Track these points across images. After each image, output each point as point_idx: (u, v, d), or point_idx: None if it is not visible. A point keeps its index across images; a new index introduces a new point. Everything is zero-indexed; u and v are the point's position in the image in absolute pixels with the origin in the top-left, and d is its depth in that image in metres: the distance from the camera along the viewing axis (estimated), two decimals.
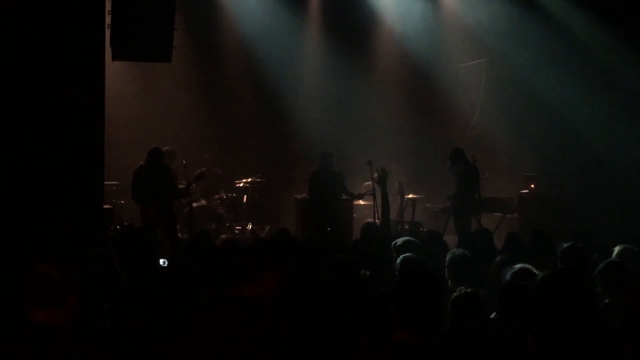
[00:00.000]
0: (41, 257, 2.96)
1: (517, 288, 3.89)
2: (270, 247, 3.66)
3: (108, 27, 7.49)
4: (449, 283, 5.03)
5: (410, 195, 11.70)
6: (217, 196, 11.68)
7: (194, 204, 10.36)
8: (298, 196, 11.30)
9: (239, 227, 11.61)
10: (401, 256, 5.26)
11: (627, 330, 2.77)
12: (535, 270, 4.39)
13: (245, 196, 11.83)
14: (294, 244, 6.01)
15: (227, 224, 11.51)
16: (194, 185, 9.91)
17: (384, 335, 2.94)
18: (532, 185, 11.46)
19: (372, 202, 10.08)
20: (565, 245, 5.44)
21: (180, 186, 9.79)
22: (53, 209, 7.06)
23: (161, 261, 5.51)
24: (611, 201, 10.29)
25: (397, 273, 5.10)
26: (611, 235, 6.84)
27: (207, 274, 4.62)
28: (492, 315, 3.96)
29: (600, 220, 9.60)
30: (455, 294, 4.03)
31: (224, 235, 10.29)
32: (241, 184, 11.90)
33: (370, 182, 10.43)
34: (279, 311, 3.31)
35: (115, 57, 7.71)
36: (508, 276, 4.46)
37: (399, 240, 6.03)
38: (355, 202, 11.06)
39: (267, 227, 11.61)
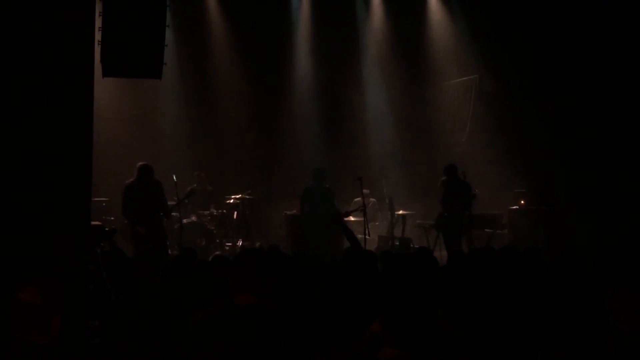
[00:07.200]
0: (24, 283, 2.86)
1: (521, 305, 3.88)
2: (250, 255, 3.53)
3: (98, 44, 7.48)
4: None
5: (401, 212, 11.70)
6: (207, 212, 11.63)
7: (184, 220, 10.34)
8: (288, 212, 11.26)
9: (229, 244, 11.56)
10: None
11: (616, 342, 2.75)
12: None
13: (235, 212, 11.79)
14: (284, 260, 5.99)
15: (217, 240, 11.46)
16: (185, 201, 9.93)
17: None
18: (522, 201, 11.47)
19: (362, 219, 10.08)
20: (556, 261, 5.44)
21: (170, 203, 9.76)
22: (40, 225, 7.01)
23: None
24: (601, 217, 10.30)
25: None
26: (601, 251, 6.82)
27: (194, 290, 4.60)
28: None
29: (590, 236, 9.61)
30: None
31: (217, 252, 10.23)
32: (231, 200, 11.86)
33: (360, 199, 10.44)
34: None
35: (105, 74, 7.68)
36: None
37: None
38: (345, 219, 11.03)
39: (258, 244, 11.57)
